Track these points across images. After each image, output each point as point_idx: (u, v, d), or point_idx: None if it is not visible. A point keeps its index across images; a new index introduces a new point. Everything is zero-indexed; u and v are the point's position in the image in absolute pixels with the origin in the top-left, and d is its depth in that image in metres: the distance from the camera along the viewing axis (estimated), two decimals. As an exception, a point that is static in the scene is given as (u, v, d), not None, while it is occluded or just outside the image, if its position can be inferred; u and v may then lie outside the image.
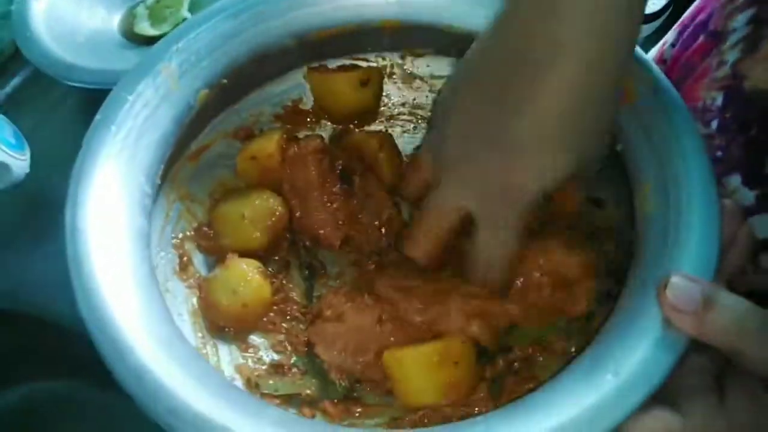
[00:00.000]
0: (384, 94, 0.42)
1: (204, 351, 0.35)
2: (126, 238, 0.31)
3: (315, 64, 0.40)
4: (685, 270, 0.27)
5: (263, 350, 0.37)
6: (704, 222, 0.28)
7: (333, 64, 0.40)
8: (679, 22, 0.46)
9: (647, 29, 0.73)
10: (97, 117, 0.33)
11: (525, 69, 0.27)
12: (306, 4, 0.37)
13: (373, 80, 0.40)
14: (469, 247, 0.33)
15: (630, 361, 0.26)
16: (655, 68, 0.33)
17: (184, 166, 0.38)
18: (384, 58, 0.41)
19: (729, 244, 0.30)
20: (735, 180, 0.35)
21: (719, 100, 0.37)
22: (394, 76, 0.42)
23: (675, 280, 0.26)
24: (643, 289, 0.27)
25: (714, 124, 0.37)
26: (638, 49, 0.33)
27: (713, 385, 0.28)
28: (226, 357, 0.36)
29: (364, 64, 0.41)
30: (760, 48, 0.35)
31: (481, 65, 0.30)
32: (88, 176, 0.31)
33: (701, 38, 0.40)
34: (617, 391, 0.25)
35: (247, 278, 0.35)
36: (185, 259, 0.37)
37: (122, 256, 0.30)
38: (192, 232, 0.38)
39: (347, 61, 0.40)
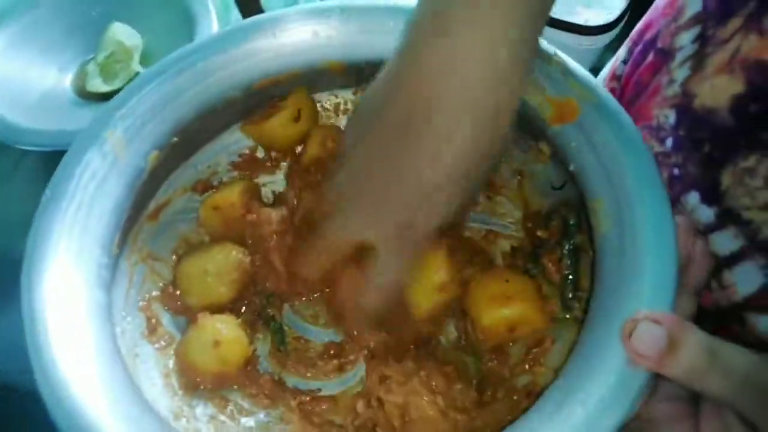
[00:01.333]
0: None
1: (181, 412, 0.34)
2: (84, 314, 0.31)
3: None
4: (644, 293, 0.27)
5: (242, 404, 0.36)
6: (660, 241, 0.28)
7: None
8: (629, 38, 0.46)
9: (603, 39, 0.74)
10: (46, 194, 0.33)
11: (412, 134, 0.29)
12: (248, 55, 0.37)
13: (304, 111, 0.39)
14: (357, 273, 0.35)
15: (597, 391, 0.25)
16: (596, 84, 0.33)
17: (144, 226, 0.37)
18: (336, 96, 0.41)
19: (687, 261, 0.30)
20: (693, 198, 0.35)
21: (672, 118, 0.37)
22: (349, 112, 0.42)
23: (641, 326, 0.26)
24: (605, 317, 0.27)
25: (669, 142, 0.37)
26: (577, 65, 0.34)
27: (688, 411, 0.29)
28: (203, 417, 0.35)
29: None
30: (706, 66, 0.34)
31: (384, 107, 0.31)
32: (41, 256, 0.31)
33: (651, 56, 0.40)
34: (586, 423, 0.25)
35: (222, 335, 0.35)
36: (153, 321, 0.37)
37: (81, 335, 0.30)
38: (158, 293, 0.38)
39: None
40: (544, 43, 0.34)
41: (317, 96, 0.41)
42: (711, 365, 0.25)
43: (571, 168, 0.33)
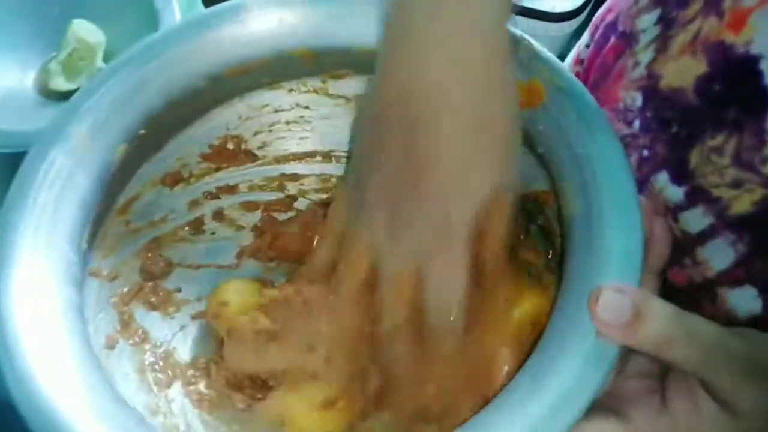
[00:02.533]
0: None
1: (158, 408, 0.34)
2: (55, 311, 0.30)
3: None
4: (611, 272, 0.27)
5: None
6: (626, 221, 0.28)
7: (250, 97, 0.40)
8: (591, 22, 0.46)
9: (569, 26, 0.75)
10: (11, 192, 0.32)
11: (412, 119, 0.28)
12: (213, 44, 0.36)
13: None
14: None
15: (564, 374, 0.26)
16: (562, 68, 0.33)
17: (114, 221, 0.37)
18: (305, 84, 0.40)
19: (648, 241, 0.30)
20: (663, 178, 0.36)
21: (638, 100, 0.37)
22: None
23: (605, 294, 0.26)
24: (575, 298, 0.27)
25: (636, 124, 0.37)
26: (542, 49, 0.34)
27: (656, 387, 0.29)
28: (180, 412, 0.35)
29: (284, 91, 0.40)
30: (669, 48, 0.35)
31: (379, 107, 0.30)
32: (8, 255, 0.30)
33: (612, 39, 0.41)
34: (554, 406, 0.25)
35: None
36: (126, 317, 0.37)
37: (53, 333, 0.29)
38: (130, 288, 0.37)
39: (265, 93, 0.40)
40: (511, 28, 0.34)
41: (287, 84, 0.40)
42: (679, 334, 0.26)
43: (540, 151, 0.33)
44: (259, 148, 0.42)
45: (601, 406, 0.28)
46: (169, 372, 0.37)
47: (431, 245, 0.29)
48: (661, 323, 0.26)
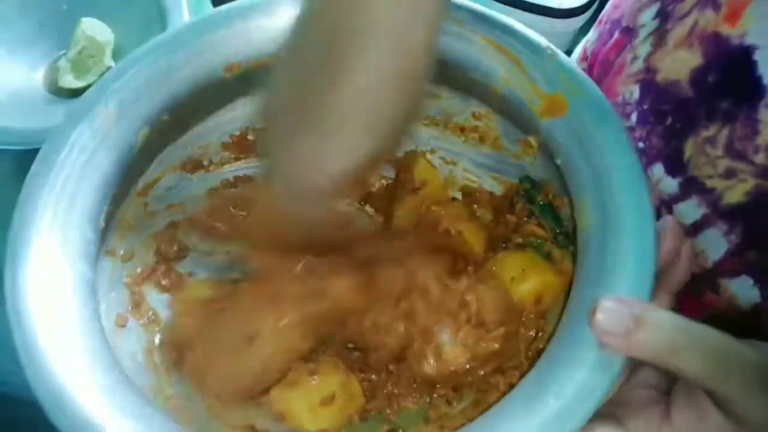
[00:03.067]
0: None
1: (161, 390, 0.35)
2: (69, 287, 0.31)
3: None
4: (621, 287, 0.27)
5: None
6: (640, 238, 0.28)
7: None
8: (598, 20, 0.47)
9: (576, 22, 0.74)
10: (33, 167, 0.33)
11: (338, 48, 0.27)
12: (239, 35, 0.37)
13: None
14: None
15: (570, 382, 0.26)
16: (586, 80, 0.33)
17: (133, 202, 0.37)
18: None
19: (671, 258, 0.30)
20: (658, 169, 0.37)
21: (636, 94, 0.38)
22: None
23: (604, 303, 0.26)
24: (581, 308, 0.28)
25: (634, 117, 0.39)
26: (569, 61, 0.34)
27: (661, 399, 0.29)
28: (181, 396, 0.36)
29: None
30: (666, 41, 0.36)
31: (304, 34, 0.29)
32: (26, 228, 0.31)
33: (616, 34, 0.42)
34: (558, 414, 0.26)
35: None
36: (137, 297, 0.37)
37: (65, 308, 0.30)
38: (143, 269, 0.38)
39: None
40: (537, 36, 0.35)
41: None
42: (685, 342, 0.25)
43: (558, 162, 0.33)
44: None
45: (601, 413, 0.28)
46: (176, 354, 0.38)
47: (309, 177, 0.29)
48: (664, 331, 0.25)
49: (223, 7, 0.38)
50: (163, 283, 0.39)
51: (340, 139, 0.28)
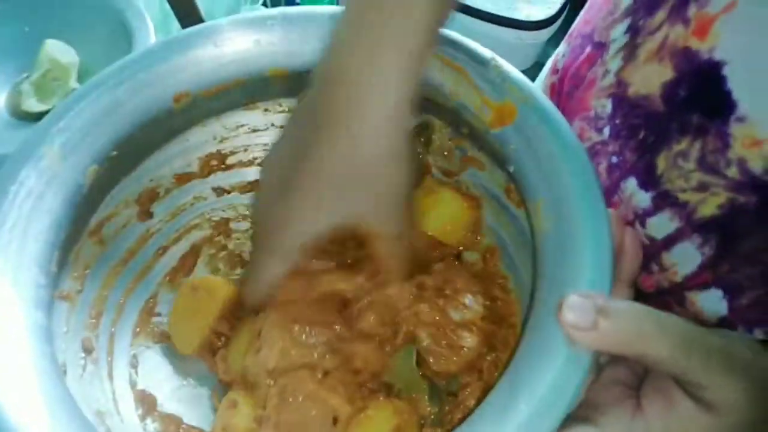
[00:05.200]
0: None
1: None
2: (22, 335, 0.30)
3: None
4: (582, 284, 0.27)
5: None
6: (595, 235, 0.29)
7: (225, 117, 0.40)
8: (568, 33, 0.47)
9: (544, 34, 0.76)
10: None
11: (322, 132, 0.31)
12: (187, 65, 0.36)
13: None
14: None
15: (540, 385, 0.26)
16: (532, 87, 0.34)
17: (86, 243, 0.36)
18: (280, 104, 0.41)
19: (619, 252, 0.31)
20: (631, 183, 0.36)
21: (608, 108, 0.38)
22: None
23: (570, 299, 0.27)
24: (546, 309, 0.28)
25: (606, 131, 0.38)
26: (513, 69, 0.34)
27: (631, 393, 0.29)
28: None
29: (260, 111, 0.40)
30: (637, 55, 0.36)
31: (295, 120, 0.34)
32: None
33: (588, 49, 0.41)
34: (531, 417, 0.25)
35: None
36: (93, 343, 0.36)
37: (20, 356, 0.29)
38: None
39: (241, 114, 0.40)
40: (481, 48, 0.35)
41: (263, 104, 0.40)
42: (650, 329, 0.26)
43: (511, 170, 0.33)
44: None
45: (574, 416, 0.28)
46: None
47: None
48: (628, 319, 0.26)
49: (164, 39, 0.37)
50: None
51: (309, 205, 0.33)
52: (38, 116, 0.60)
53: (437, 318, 0.37)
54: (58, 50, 0.62)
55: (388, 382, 0.37)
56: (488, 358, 0.37)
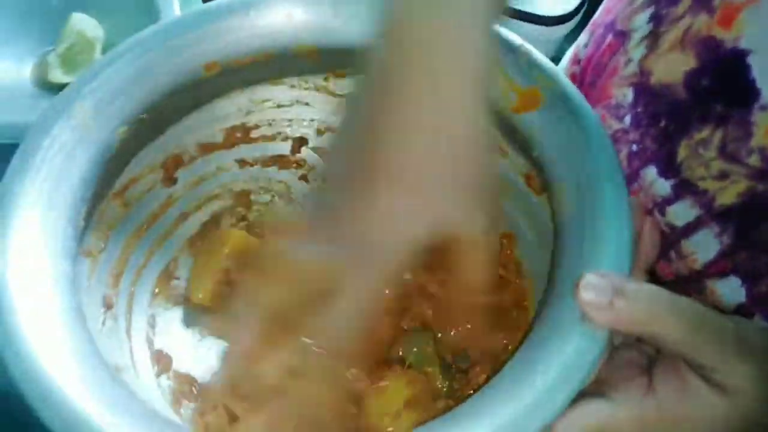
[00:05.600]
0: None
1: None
2: (50, 283, 0.30)
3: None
4: (601, 267, 0.28)
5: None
6: (617, 220, 0.29)
7: (252, 91, 0.40)
8: (590, 23, 0.47)
9: (562, 30, 0.75)
10: (12, 164, 0.32)
11: (383, 124, 0.27)
12: (218, 34, 0.37)
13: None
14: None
15: (556, 359, 0.26)
16: (558, 73, 0.34)
17: (110, 204, 0.37)
18: (306, 81, 0.41)
19: (636, 238, 0.31)
20: (651, 172, 0.36)
21: (630, 96, 0.38)
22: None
23: (588, 278, 0.27)
24: (563, 289, 0.28)
25: (627, 119, 0.38)
26: (540, 55, 0.35)
27: (644, 373, 0.29)
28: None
29: (286, 86, 0.41)
30: (660, 44, 0.36)
31: (360, 109, 0.29)
32: (6, 225, 0.30)
33: (609, 38, 0.42)
34: (546, 390, 0.26)
35: None
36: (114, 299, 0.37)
37: (48, 305, 0.29)
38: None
39: (268, 88, 0.40)
40: (510, 33, 0.35)
41: (289, 80, 0.40)
42: (664, 311, 0.26)
43: (534, 154, 0.34)
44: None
45: (586, 391, 0.28)
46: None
47: (351, 265, 0.28)
48: (644, 301, 0.26)
49: (200, 7, 0.37)
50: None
51: (390, 215, 0.27)
52: (63, 88, 0.61)
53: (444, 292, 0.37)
54: (84, 24, 0.62)
55: (401, 356, 0.37)
56: (499, 336, 0.37)
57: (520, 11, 0.71)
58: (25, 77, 0.63)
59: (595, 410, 0.28)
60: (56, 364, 0.27)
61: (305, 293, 0.29)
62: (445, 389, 0.36)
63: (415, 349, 0.37)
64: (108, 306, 0.36)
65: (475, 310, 0.33)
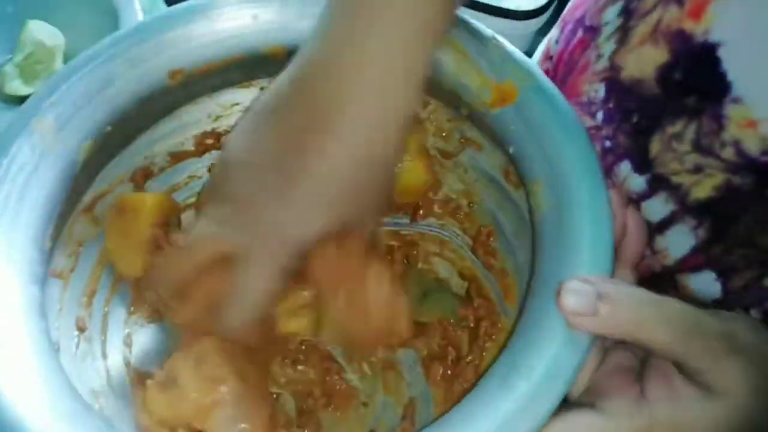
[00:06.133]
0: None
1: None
2: (17, 311, 0.29)
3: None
4: (581, 265, 0.27)
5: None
6: (595, 217, 0.29)
7: (220, 95, 0.39)
8: (560, 19, 0.47)
9: (534, 24, 0.75)
10: None
11: (309, 133, 0.29)
12: (183, 40, 0.36)
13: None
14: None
15: (539, 363, 0.26)
16: (533, 67, 0.33)
17: (79, 220, 0.36)
18: None
19: (622, 235, 0.31)
20: (625, 167, 0.37)
21: (601, 92, 0.38)
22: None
23: (569, 284, 0.26)
24: (545, 291, 0.28)
25: (599, 115, 0.38)
26: (514, 49, 0.34)
27: (633, 379, 0.29)
28: None
29: (256, 89, 0.40)
30: (631, 38, 0.36)
31: (277, 109, 0.31)
32: None
33: (580, 33, 0.42)
34: (529, 396, 0.25)
35: None
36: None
37: (15, 331, 0.28)
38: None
39: (237, 92, 0.40)
40: (482, 27, 0.35)
41: (258, 82, 0.40)
42: (651, 315, 0.26)
43: (510, 151, 0.33)
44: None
45: (578, 402, 0.28)
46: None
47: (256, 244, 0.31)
48: (629, 305, 0.26)
49: (162, 12, 0.36)
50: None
51: (311, 216, 0.30)
52: (22, 99, 0.59)
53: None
54: (42, 32, 0.60)
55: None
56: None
57: (489, 5, 0.71)
58: (-19, 89, 0.61)
59: (587, 423, 0.27)
60: (24, 397, 0.26)
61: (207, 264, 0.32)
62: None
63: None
64: (81, 329, 0.34)
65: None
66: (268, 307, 0.33)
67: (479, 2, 0.70)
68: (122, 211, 0.36)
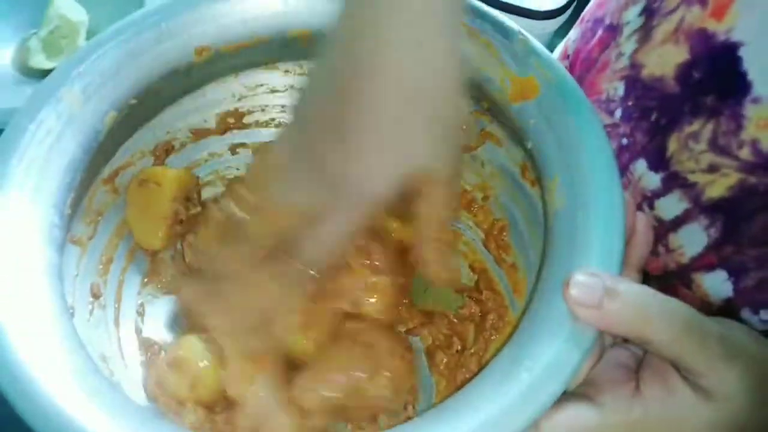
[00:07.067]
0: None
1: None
2: (35, 272, 0.29)
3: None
4: (591, 263, 0.28)
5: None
6: (608, 216, 0.29)
7: (244, 75, 0.40)
8: (579, 18, 0.47)
9: (552, 24, 0.76)
10: None
11: (355, 80, 0.28)
12: (211, 18, 0.36)
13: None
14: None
15: (542, 356, 0.26)
16: (557, 64, 0.34)
17: (100, 190, 0.36)
18: (301, 66, 0.41)
19: (630, 237, 0.31)
20: (641, 165, 0.37)
21: (621, 90, 0.38)
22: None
23: (577, 277, 0.27)
24: (552, 285, 0.28)
25: (618, 113, 0.38)
26: (540, 45, 0.34)
27: (632, 376, 0.29)
28: None
29: (280, 72, 0.40)
30: (652, 37, 0.36)
31: (328, 61, 0.30)
32: None
33: (599, 32, 0.42)
34: (531, 388, 0.26)
35: None
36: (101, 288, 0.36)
37: (32, 293, 0.29)
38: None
39: (261, 73, 0.40)
40: (507, 21, 0.35)
41: (283, 65, 0.40)
42: (654, 313, 0.26)
43: (529, 146, 0.33)
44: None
45: (574, 393, 0.28)
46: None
47: (330, 203, 0.30)
48: (635, 303, 0.26)
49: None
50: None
51: (380, 158, 0.29)
52: (46, 73, 0.59)
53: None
54: (67, 7, 0.61)
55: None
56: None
57: (509, 4, 0.71)
58: (6, 62, 0.62)
59: (582, 415, 0.28)
60: (38, 357, 0.27)
61: (284, 231, 0.31)
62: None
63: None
64: (95, 295, 0.35)
65: (441, 244, 0.33)
66: (340, 253, 0.33)
67: (500, 1, 0.70)
68: (144, 183, 0.37)
